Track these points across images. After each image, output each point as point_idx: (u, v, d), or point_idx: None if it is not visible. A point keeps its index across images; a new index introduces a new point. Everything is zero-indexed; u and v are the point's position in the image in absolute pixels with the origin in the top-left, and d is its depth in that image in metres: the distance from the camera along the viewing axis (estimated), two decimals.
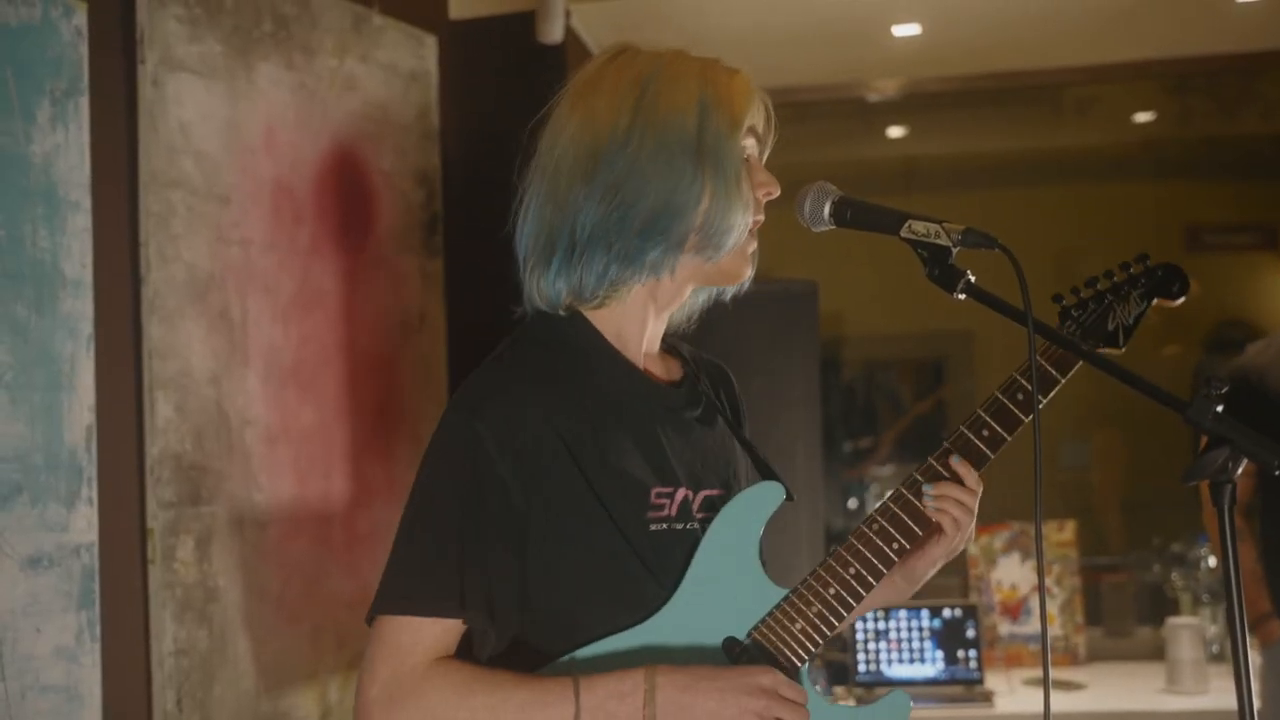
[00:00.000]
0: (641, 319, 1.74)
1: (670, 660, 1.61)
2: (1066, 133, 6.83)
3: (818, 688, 3.67)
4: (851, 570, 1.68)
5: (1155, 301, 1.73)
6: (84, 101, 2.19)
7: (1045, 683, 1.51)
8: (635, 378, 1.73)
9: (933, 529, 1.74)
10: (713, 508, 1.71)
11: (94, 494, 2.19)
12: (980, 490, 1.73)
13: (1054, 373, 1.71)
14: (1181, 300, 1.72)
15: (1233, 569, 1.35)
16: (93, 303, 2.20)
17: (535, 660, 1.63)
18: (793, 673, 1.66)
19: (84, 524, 2.17)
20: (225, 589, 2.49)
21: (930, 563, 1.77)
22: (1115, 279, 1.74)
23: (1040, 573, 1.50)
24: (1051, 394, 1.71)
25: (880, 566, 1.69)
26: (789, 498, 1.74)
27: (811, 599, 1.67)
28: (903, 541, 1.70)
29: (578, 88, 1.71)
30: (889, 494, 1.73)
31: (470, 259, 3.36)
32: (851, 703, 3.75)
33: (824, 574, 1.68)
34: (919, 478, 1.72)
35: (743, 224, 1.67)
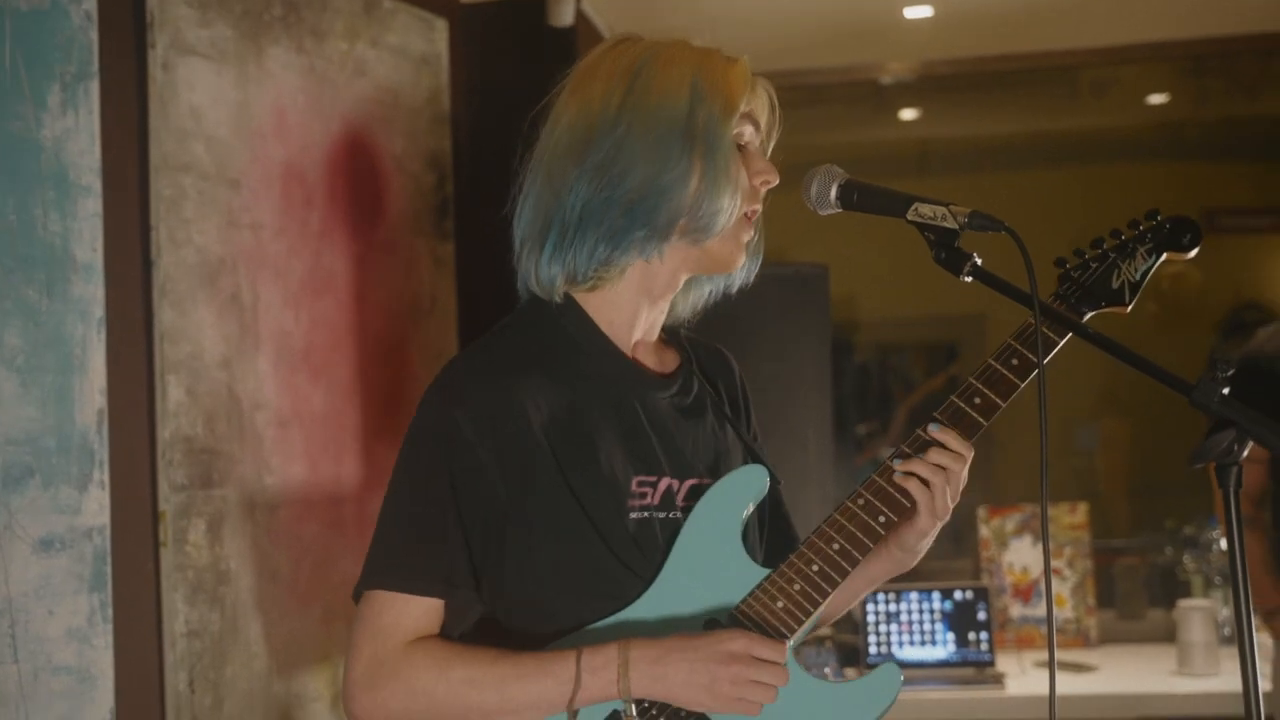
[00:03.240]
0: (634, 306, 1.76)
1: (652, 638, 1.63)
2: (1082, 115, 6.81)
3: (826, 670, 3.67)
4: (835, 546, 1.66)
5: (1165, 255, 1.70)
6: (94, 86, 2.20)
7: (1051, 665, 1.51)
8: (623, 365, 1.75)
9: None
10: (698, 496, 1.72)
11: (105, 477, 2.20)
12: (968, 455, 1.68)
13: (1052, 336, 1.66)
14: (1194, 252, 1.68)
15: (1237, 550, 1.35)
16: (104, 286, 2.20)
17: (514, 645, 1.66)
18: None
19: (96, 506, 2.18)
20: (237, 571, 2.50)
21: (919, 532, 1.74)
22: (1122, 237, 1.72)
23: (1046, 558, 1.50)
24: (1052, 353, 1.67)
25: (866, 541, 1.67)
26: (774, 481, 1.75)
27: (794, 576, 1.66)
28: (889, 514, 1.68)
29: (576, 76, 1.75)
30: (876, 469, 1.71)
31: (481, 242, 3.36)
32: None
33: (807, 551, 1.67)
34: (903, 449, 1.70)
35: (731, 207, 1.69)
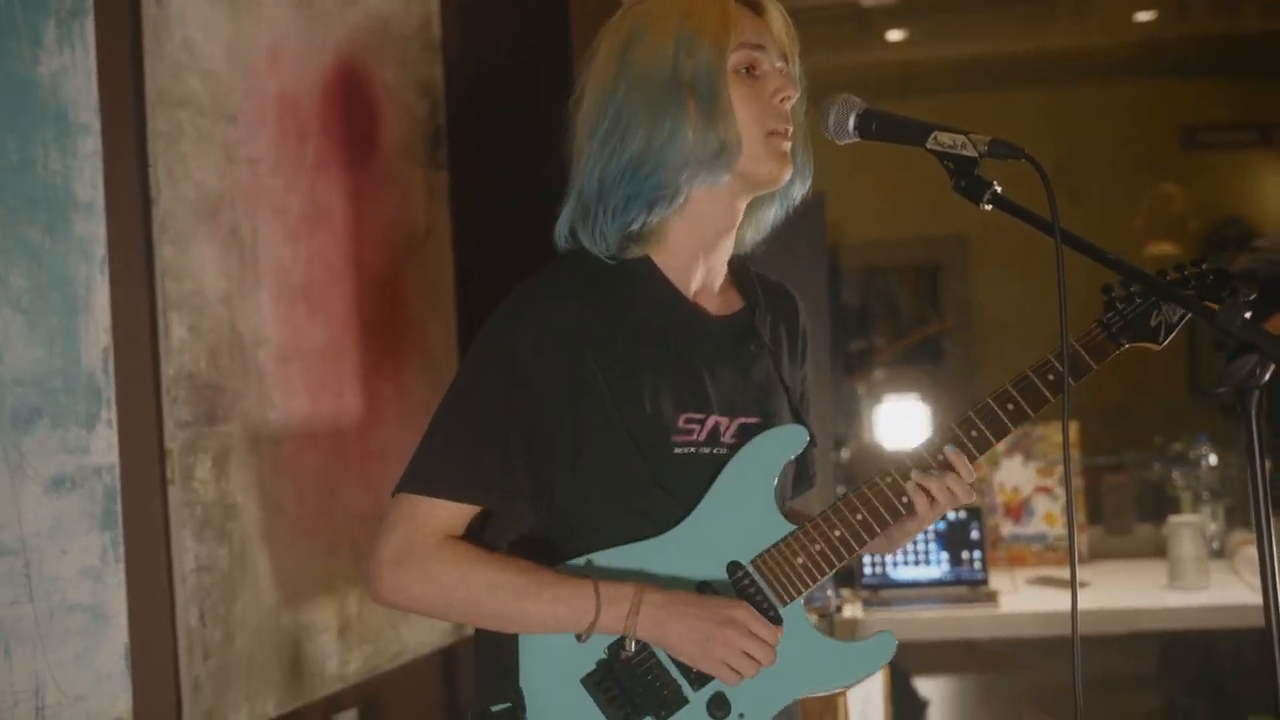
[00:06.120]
0: (690, 258, 1.82)
1: (675, 578, 1.74)
2: (1064, 33, 6.79)
3: (829, 593, 3.70)
4: (859, 517, 1.77)
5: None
6: (89, 22, 2.17)
7: (1073, 591, 1.53)
8: (682, 307, 1.81)
9: None
10: (747, 435, 1.80)
11: (113, 415, 2.20)
12: (972, 478, 1.80)
13: (1089, 360, 1.77)
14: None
15: (1260, 472, 1.37)
16: (105, 225, 2.19)
17: (550, 556, 1.77)
18: (781, 604, 1.75)
19: (104, 445, 2.18)
20: (243, 506, 2.51)
21: (907, 532, 1.86)
22: (1168, 277, 1.77)
23: (1070, 504, 1.52)
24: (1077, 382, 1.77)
25: (887, 516, 1.78)
26: (812, 443, 1.84)
27: (817, 537, 1.77)
28: (911, 497, 1.78)
29: (588, 59, 1.82)
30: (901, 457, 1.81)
31: (475, 171, 3.35)
32: (858, 605, 3.81)
33: (832, 516, 1.78)
34: (924, 458, 1.79)
35: (733, 135, 1.73)
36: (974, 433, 1.78)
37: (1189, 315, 1.75)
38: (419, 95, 3.15)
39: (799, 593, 1.75)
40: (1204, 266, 1.76)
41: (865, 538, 1.76)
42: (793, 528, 1.77)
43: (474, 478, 1.74)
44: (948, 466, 1.77)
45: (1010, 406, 1.77)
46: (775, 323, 1.93)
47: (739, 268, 1.91)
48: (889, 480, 1.77)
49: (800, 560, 1.75)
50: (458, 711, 3.25)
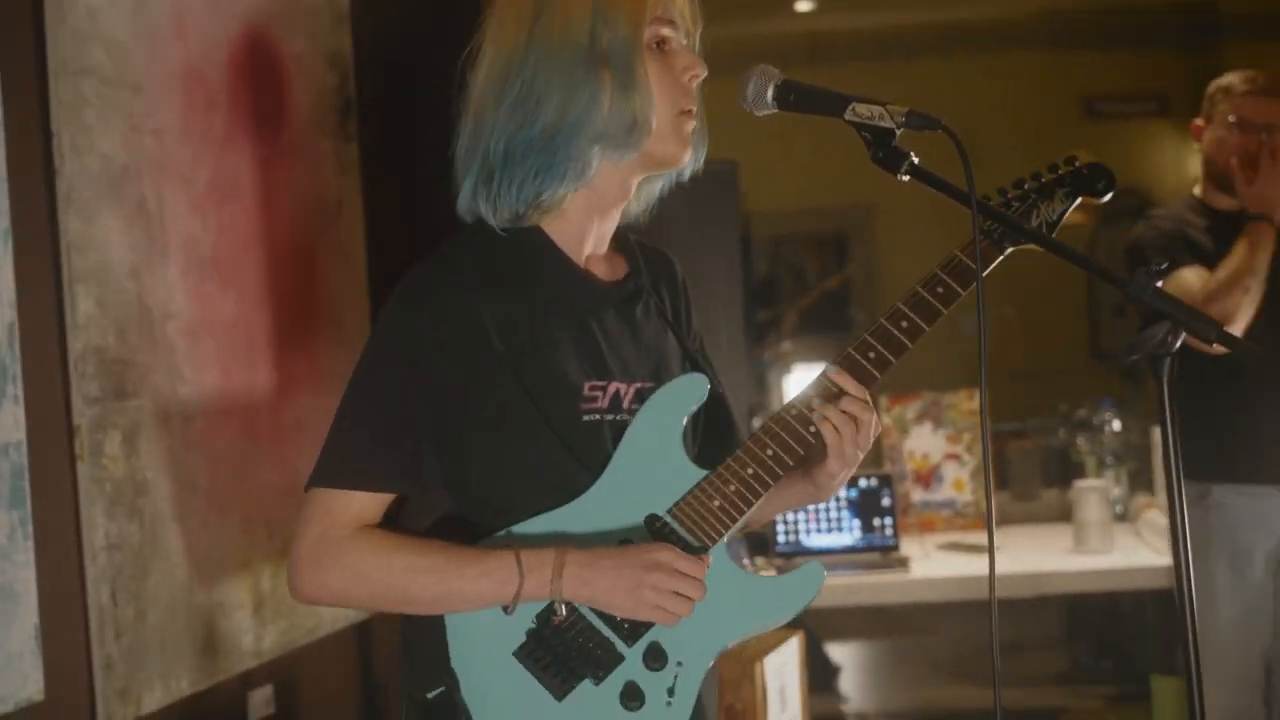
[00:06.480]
0: (584, 222, 1.81)
1: (595, 537, 1.73)
2: (969, 4, 6.86)
3: (745, 562, 3.73)
4: (769, 451, 1.75)
5: (1081, 200, 1.76)
6: None
7: (990, 554, 1.56)
8: (576, 277, 1.81)
9: None
10: (644, 400, 1.80)
11: (19, 392, 2.15)
12: (862, 394, 1.76)
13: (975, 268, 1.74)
14: (1108, 198, 1.75)
15: (1172, 437, 1.40)
16: (8, 197, 2.14)
17: (468, 536, 1.75)
18: (703, 549, 1.74)
19: (11, 422, 2.14)
20: (154, 482, 2.47)
21: (829, 473, 1.83)
22: (1043, 179, 1.78)
23: (986, 467, 1.54)
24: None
25: (797, 447, 1.75)
26: (713, 389, 1.82)
27: (730, 478, 1.75)
28: (818, 426, 1.76)
29: (491, 19, 1.78)
30: (804, 388, 1.79)
31: (385, 143, 3.32)
32: (772, 573, 3.84)
33: (743, 455, 1.76)
34: (827, 387, 1.77)
35: (648, 113, 1.72)
36: (872, 354, 1.76)
37: (1070, 209, 1.75)
38: (328, 66, 3.11)
39: (719, 535, 1.74)
40: (1078, 163, 1.77)
41: (779, 471, 1.74)
42: (705, 473, 1.76)
43: (383, 466, 1.73)
44: (842, 391, 1.76)
45: (904, 324, 1.75)
46: (657, 285, 1.93)
47: (619, 235, 1.91)
48: (794, 412, 1.76)
49: (717, 503, 1.74)
50: (374, 685, 3.24)
